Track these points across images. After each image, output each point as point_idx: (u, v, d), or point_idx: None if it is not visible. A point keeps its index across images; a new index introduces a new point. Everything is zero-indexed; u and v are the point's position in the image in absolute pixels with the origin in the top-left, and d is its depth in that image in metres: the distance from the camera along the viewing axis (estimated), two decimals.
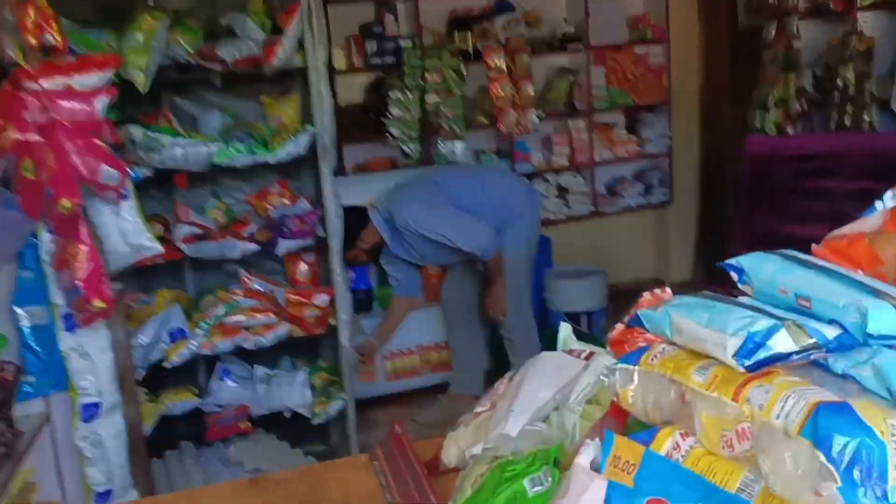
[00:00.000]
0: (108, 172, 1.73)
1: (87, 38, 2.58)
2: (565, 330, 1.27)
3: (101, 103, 1.71)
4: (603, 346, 4.04)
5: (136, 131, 2.64)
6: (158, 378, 2.89)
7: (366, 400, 4.00)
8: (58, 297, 1.80)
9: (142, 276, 2.99)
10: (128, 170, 1.84)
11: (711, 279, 5.17)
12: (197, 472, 2.97)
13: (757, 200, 2.90)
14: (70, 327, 1.83)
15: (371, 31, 4.58)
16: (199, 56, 2.62)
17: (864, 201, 2.65)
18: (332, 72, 4.47)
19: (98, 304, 1.72)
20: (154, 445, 2.95)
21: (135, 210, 1.88)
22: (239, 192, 3.20)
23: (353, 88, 4.79)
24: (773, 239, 2.87)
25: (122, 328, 2.54)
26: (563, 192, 4.84)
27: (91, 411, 1.90)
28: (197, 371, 3.20)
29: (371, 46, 4.56)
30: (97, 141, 1.73)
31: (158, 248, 1.92)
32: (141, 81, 2.53)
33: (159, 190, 3.12)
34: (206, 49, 2.64)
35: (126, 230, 1.89)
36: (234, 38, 2.70)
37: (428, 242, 3.26)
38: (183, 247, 2.79)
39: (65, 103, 1.68)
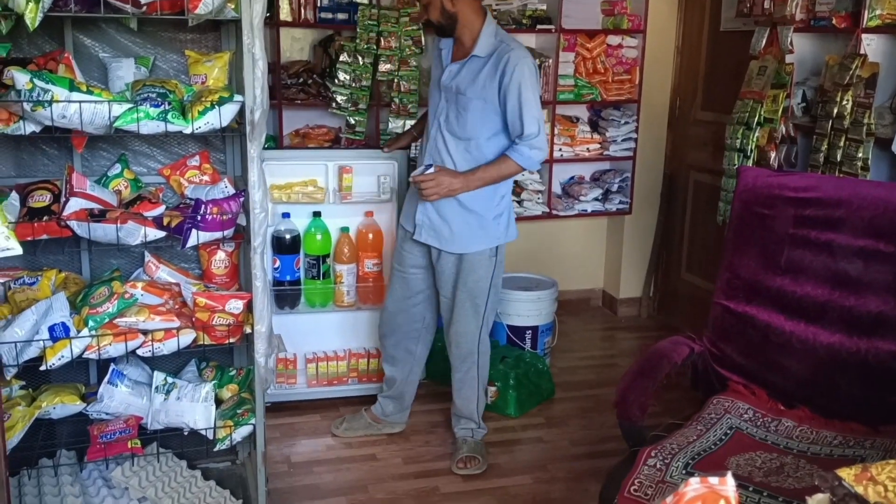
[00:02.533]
0: None
1: None
2: None
3: None
4: (545, 364, 3.72)
5: (21, 77, 2.10)
6: (38, 368, 2.36)
7: (284, 404, 3.58)
8: None
9: (28, 249, 2.46)
10: None
11: (660, 303, 4.92)
12: (74, 496, 2.49)
13: (745, 243, 2.53)
14: None
15: None
16: None
17: (868, 262, 2.34)
18: (276, 23, 3.98)
19: None
20: (24, 451, 2.45)
21: None
22: (151, 159, 2.69)
23: (299, 44, 4.28)
24: (759, 292, 2.54)
25: None
26: (516, 188, 4.46)
27: None
28: (88, 363, 2.70)
29: None
30: None
31: (15, 248, 1.44)
32: (30, 15, 2.00)
33: (54, 146, 2.59)
34: None
35: None
36: None
37: (486, 98, 2.85)
38: (72, 225, 2.28)
39: None
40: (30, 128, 2.21)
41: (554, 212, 4.50)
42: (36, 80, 2.10)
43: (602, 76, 4.50)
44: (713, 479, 0.69)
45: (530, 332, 3.95)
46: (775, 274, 2.45)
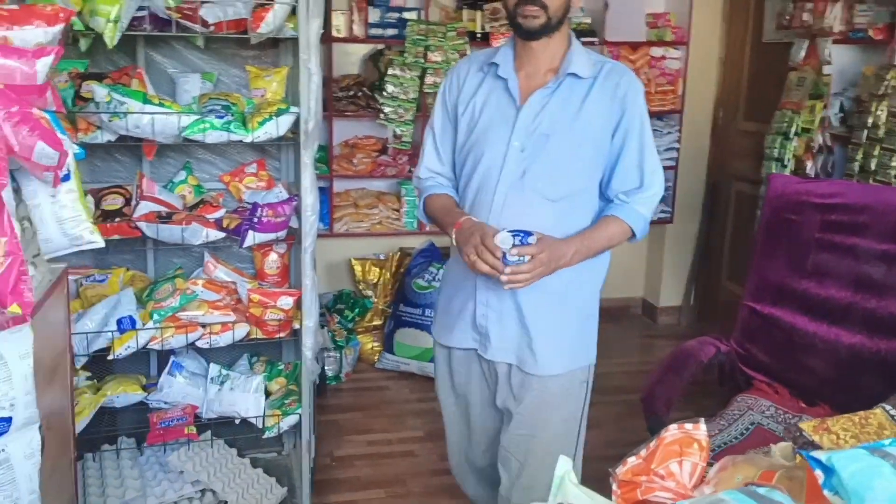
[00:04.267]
0: (43, 150, 1.42)
1: None
2: (564, 465, 0.88)
3: (43, 65, 1.40)
4: None
5: (100, 91, 2.32)
6: (103, 359, 2.58)
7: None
8: None
9: (99, 248, 2.68)
10: (69, 148, 1.52)
11: (701, 312, 4.97)
12: (133, 478, 2.68)
13: (773, 248, 2.63)
14: None
15: None
16: (179, 13, 2.29)
17: (891, 266, 2.42)
18: (329, 39, 4.18)
19: (14, 309, 1.41)
20: (89, 437, 2.67)
21: (75, 195, 1.58)
22: (213, 166, 2.90)
23: (351, 58, 4.49)
24: (785, 295, 2.65)
25: (63, 311, 2.24)
26: None
27: (0, 426, 1.60)
28: (149, 356, 2.91)
29: (374, 15, 4.27)
30: (35, 111, 1.41)
31: (99, 241, 1.62)
32: (109, 34, 2.21)
33: (126, 154, 2.82)
34: (190, 5, 2.31)
35: (63, 218, 1.59)
36: None
37: (595, 138, 1.90)
38: (142, 226, 2.49)
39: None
40: (106, 137, 2.42)
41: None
42: (113, 94, 2.31)
43: (645, 87, 4.58)
44: (688, 426, 0.81)
45: None
46: (801, 277, 2.54)
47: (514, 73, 1.95)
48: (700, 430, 0.81)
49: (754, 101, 4.48)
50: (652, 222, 4.62)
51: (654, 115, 4.66)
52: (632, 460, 0.84)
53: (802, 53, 3.70)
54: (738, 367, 2.63)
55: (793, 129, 3.58)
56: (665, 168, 4.52)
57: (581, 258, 1.89)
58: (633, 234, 1.97)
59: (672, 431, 0.82)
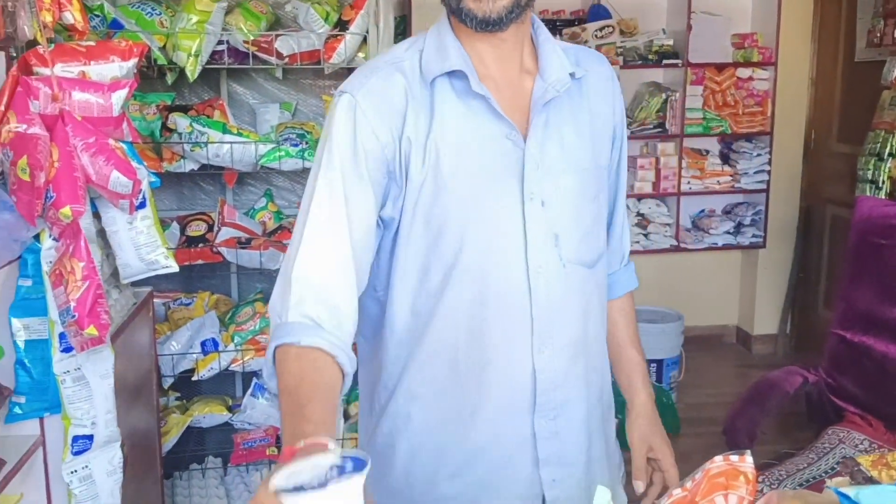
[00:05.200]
0: (118, 179, 1.49)
1: (140, 14, 2.38)
2: (604, 496, 0.79)
3: (118, 97, 1.47)
4: (670, 398, 3.14)
5: (182, 122, 2.42)
6: (190, 380, 2.68)
7: None
8: (55, 313, 1.58)
9: (185, 272, 2.80)
10: (143, 177, 1.59)
11: (798, 340, 4.76)
12: (219, 497, 2.76)
13: (862, 273, 2.50)
14: (67, 348, 1.60)
15: None
16: (256, 46, 2.38)
17: None
18: None
19: (90, 331, 1.48)
20: (177, 455, 2.76)
21: (150, 221, 1.65)
22: (292, 193, 2.98)
23: None
24: (876, 323, 2.52)
25: (147, 333, 2.34)
26: (642, 221, 4.48)
27: (82, 444, 1.67)
28: (234, 377, 2.99)
29: None
30: (111, 141, 1.49)
31: (173, 266, 1.69)
32: (191, 67, 2.31)
33: (210, 182, 2.93)
34: (265, 38, 2.40)
35: (140, 243, 1.66)
36: (296, 28, 2.46)
37: (602, 162, 1.28)
38: (223, 251, 2.57)
39: (77, 94, 1.44)
40: (189, 166, 2.53)
41: (682, 245, 4.49)
42: (195, 124, 2.41)
43: (732, 109, 4.49)
44: (734, 457, 0.78)
45: (655, 364, 3.95)
46: (892, 304, 2.40)
47: (477, 79, 1.17)
48: (746, 461, 0.77)
49: (847, 123, 4.30)
50: (743, 247, 4.56)
51: (742, 137, 4.54)
52: (677, 492, 0.81)
53: (895, 72, 3.54)
54: (827, 398, 2.50)
55: (887, 150, 3.42)
56: (755, 191, 4.51)
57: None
58: None
59: (717, 463, 0.78)
